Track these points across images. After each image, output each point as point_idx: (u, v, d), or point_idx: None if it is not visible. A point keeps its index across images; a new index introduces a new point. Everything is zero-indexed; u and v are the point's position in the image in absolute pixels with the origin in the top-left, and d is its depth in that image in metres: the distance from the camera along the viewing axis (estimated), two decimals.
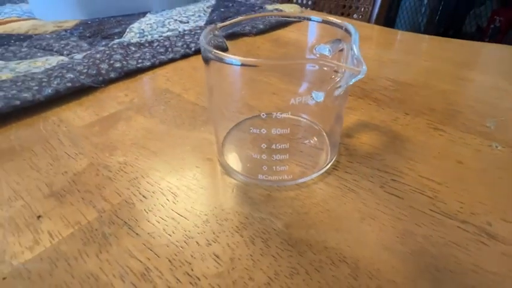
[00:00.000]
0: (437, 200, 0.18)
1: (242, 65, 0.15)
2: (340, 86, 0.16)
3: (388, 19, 1.31)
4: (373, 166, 0.20)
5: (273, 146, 0.18)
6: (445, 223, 0.16)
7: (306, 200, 0.18)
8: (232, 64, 0.16)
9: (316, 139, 0.22)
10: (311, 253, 0.15)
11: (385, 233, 0.16)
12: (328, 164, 0.20)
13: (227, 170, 0.20)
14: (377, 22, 0.80)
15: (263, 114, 0.18)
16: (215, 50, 0.16)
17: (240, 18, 0.21)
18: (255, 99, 0.25)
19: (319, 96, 0.17)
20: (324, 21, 0.20)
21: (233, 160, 0.21)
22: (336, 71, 0.16)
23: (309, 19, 0.21)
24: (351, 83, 0.16)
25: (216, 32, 0.20)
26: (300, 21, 0.23)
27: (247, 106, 0.25)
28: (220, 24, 0.20)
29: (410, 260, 0.15)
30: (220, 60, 0.16)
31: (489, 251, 0.15)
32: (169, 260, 0.15)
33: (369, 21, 0.81)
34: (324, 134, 0.23)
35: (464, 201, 0.18)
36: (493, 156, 0.21)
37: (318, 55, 0.22)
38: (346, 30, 0.19)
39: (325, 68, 0.16)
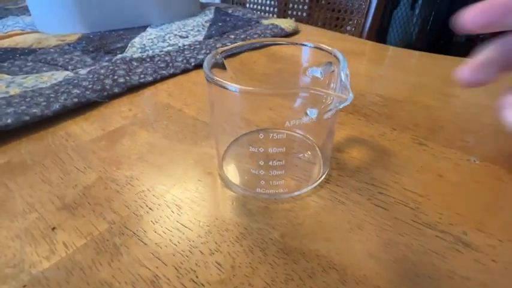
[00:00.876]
0: (419, 212, 0.20)
1: (240, 92, 0.17)
2: (330, 110, 0.18)
3: (380, 30, 1.34)
4: (362, 180, 0.22)
5: (270, 163, 0.20)
6: (425, 233, 0.18)
7: (300, 211, 0.20)
8: (231, 91, 0.17)
9: (310, 153, 0.24)
10: (304, 261, 0.17)
11: (371, 242, 0.18)
12: (320, 178, 0.22)
13: (227, 183, 0.22)
14: (369, 33, 0.82)
15: (261, 135, 0.20)
16: (216, 78, 0.18)
17: (239, 43, 0.23)
18: (252, 114, 0.27)
19: (313, 113, 0.19)
20: (316, 47, 0.22)
21: (232, 174, 0.23)
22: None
23: (302, 44, 0.23)
24: (340, 108, 0.18)
25: (218, 57, 0.22)
26: (295, 45, 0.24)
27: (246, 121, 0.26)
28: (221, 49, 0.22)
29: (393, 267, 0.17)
30: (222, 86, 0.18)
31: (463, 258, 0.17)
32: (175, 268, 0.17)
33: (361, 32, 0.84)
34: (317, 148, 0.24)
35: (444, 212, 0.20)
36: (471, 170, 0.23)
37: (310, 77, 0.23)
38: (336, 57, 0.20)
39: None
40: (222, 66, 0.23)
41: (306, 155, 0.24)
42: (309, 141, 0.25)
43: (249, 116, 0.26)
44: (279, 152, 0.19)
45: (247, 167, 0.23)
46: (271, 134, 0.19)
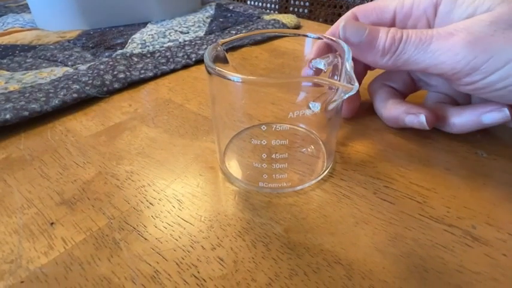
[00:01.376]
0: (426, 205, 0.19)
1: (243, 82, 0.17)
2: (334, 101, 0.17)
3: None
4: (367, 173, 0.22)
5: (273, 156, 0.19)
6: (433, 227, 0.18)
7: (303, 206, 0.19)
8: (233, 81, 0.17)
9: (313, 147, 0.24)
10: (309, 256, 0.16)
11: (378, 236, 0.17)
12: (324, 172, 0.21)
13: (228, 178, 0.22)
14: None
15: (263, 127, 0.19)
16: (218, 68, 0.17)
17: (240, 35, 0.22)
18: (254, 108, 0.26)
19: (316, 106, 0.18)
20: (319, 38, 0.22)
21: (234, 168, 0.22)
22: (330, 87, 0.18)
23: (305, 35, 0.23)
24: (345, 98, 0.17)
25: (219, 48, 0.21)
26: (297, 36, 0.24)
27: (248, 115, 0.26)
28: (222, 41, 0.21)
29: (400, 262, 0.16)
30: (223, 77, 0.17)
31: (473, 252, 0.16)
32: (176, 263, 0.16)
33: None
34: (321, 142, 0.24)
35: (451, 206, 0.19)
36: (479, 163, 0.22)
37: (314, 69, 0.23)
38: (340, 47, 0.20)
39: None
40: (224, 60, 0.22)
41: (309, 149, 0.24)
42: (312, 135, 0.25)
43: (251, 109, 0.26)
44: (282, 144, 0.19)
45: (250, 160, 0.22)
46: (274, 126, 0.19)
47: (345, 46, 0.19)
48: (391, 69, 0.22)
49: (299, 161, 0.22)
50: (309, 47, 0.25)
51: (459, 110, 0.23)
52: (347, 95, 0.16)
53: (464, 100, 0.25)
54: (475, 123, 0.22)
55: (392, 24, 0.23)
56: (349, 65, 0.17)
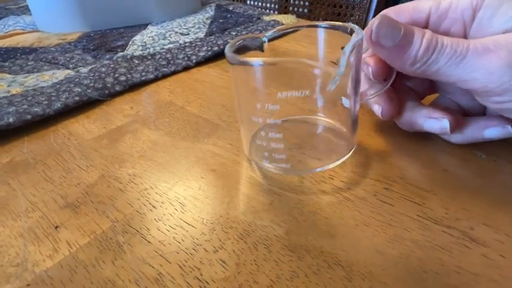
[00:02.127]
0: (425, 207, 0.19)
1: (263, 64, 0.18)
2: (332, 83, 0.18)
3: None
4: (367, 175, 0.22)
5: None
6: (432, 228, 0.18)
7: (304, 208, 0.20)
8: (254, 65, 0.18)
9: (333, 136, 0.25)
10: (309, 257, 0.17)
11: (377, 238, 0.18)
12: (347, 154, 0.22)
13: (255, 162, 0.23)
14: None
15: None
16: (240, 57, 0.19)
17: (281, 26, 0.24)
18: (275, 100, 0.26)
19: (347, 102, 0.19)
20: (331, 27, 0.22)
21: (259, 154, 0.23)
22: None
23: (317, 26, 0.23)
24: (337, 79, 0.18)
25: (259, 39, 0.23)
26: (308, 27, 0.25)
27: (269, 103, 0.26)
28: (261, 34, 0.23)
29: (399, 263, 0.16)
30: (246, 64, 0.18)
31: (471, 253, 0.17)
32: (180, 266, 0.17)
33: (363, 27, 0.83)
34: (342, 130, 0.24)
35: (450, 207, 0.19)
36: (478, 164, 0.22)
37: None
38: (351, 32, 0.20)
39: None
40: (260, 49, 0.23)
41: (329, 137, 0.25)
42: (333, 126, 0.25)
43: (268, 101, 0.26)
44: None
45: (274, 147, 0.22)
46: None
47: (358, 29, 0.19)
48: (417, 76, 0.21)
49: (319, 144, 0.24)
50: (314, 43, 0.25)
51: (463, 121, 0.22)
52: (335, 79, 0.17)
53: (476, 114, 0.24)
54: (476, 136, 0.22)
55: (425, 25, 0.22)
56: (344, 56, 0.17)
